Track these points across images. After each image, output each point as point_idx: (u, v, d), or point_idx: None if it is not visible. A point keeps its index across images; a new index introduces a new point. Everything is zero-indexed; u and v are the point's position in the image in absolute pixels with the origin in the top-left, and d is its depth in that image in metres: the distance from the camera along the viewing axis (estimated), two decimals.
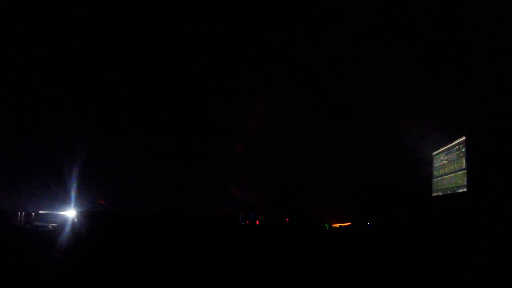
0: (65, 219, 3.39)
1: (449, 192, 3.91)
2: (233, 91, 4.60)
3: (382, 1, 3.83)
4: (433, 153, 4.47)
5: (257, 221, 4.16)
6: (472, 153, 3.54)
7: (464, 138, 3.70)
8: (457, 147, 3.82)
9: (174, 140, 4.45)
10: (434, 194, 4.34)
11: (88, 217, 3.25)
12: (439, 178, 4.24)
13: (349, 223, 4.20)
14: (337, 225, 4.12)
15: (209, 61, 4.24)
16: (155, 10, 3.84)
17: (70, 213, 3.47)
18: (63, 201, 3.59)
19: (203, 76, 4.38)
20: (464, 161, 3.62)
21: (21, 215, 3.35)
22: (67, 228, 2.98)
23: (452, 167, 3.89)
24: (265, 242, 3.09)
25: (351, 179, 4.65)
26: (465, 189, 3.54)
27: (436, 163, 4.37)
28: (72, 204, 3.57)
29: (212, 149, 4.60)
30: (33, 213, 3.43)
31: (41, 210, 3.52)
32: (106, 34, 3.94)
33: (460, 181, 3.66)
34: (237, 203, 4.59)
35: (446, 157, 4.08)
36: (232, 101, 4.65)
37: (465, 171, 3.58)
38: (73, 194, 3.64)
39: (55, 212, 3.51)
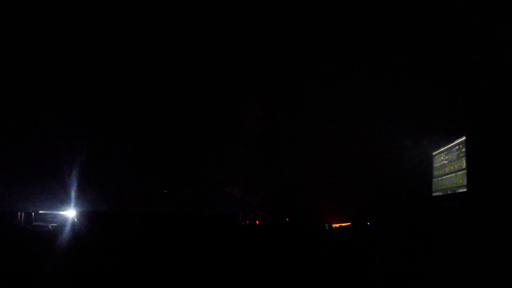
0: (65, 219, 3.38)
1: (449, 192, 3.91)
2: (233, 90, 4.60)
3: (382, 0, 3.83)
4: (433, 153, 4.47)
5: (257, 221, 4.16)
6: (472, 153, 3.54)
7: (464, 138, 3.70)
8: (457, 147, 3.82)
9: (174, 140, 4.46)
10: (434, 194, 4.34)
11: (88, 217, 3.24)
12: (439, 178, 4.24)
13: (349, 223, 4.20)
14: (337, 225, 4.12)
15: (210, 62, 4.24)
16: (152, 10, 3.85)
17: (70, 213, 3.46)
18: (63, 201, 3.59)
19: (204, 76, 4.39)
20: (464, 161, 3.62)
21: (21, 215, 3.34)
22: (67, 228, 2.97)
23: (452, 167, 3.89)
24: (265, 242, 3.09)
25: (351, 179, 4.65)
26: (465, 189, 3.54)
27: (436, 163, 4.37)
28: (72, 204, 3.57)
29: (212, 149, 4.60)
30: (33, 213, 3.42)
31: (41, 210, 3.51)
32: (105, 34, 3.94)
33: (460, 181, 3.66)
34: (237, 203, 4.59)
35: (446, 157, 4.08)
36: (233, 100, 4.65)
37: (465, 171, 3.58)
38: (73, 194, 3.64)
39: (55, 212, 3.51)
